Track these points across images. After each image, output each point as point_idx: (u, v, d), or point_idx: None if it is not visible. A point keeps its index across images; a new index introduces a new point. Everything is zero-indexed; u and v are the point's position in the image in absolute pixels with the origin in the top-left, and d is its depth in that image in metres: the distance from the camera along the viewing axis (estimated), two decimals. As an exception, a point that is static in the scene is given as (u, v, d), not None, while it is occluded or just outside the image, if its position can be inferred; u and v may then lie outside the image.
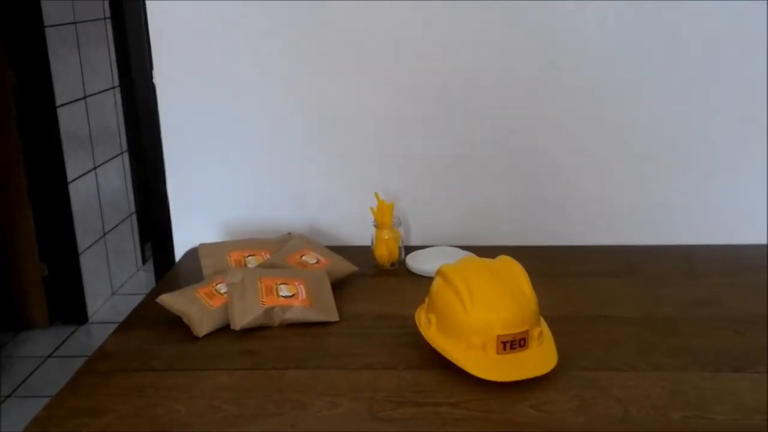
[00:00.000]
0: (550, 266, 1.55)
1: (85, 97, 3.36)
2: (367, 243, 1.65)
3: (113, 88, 3.65)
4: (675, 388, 1.11)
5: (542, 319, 1.22)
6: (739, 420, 1.03)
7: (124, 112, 3.73)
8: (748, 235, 1.67)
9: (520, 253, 1.28)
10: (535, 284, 1.21)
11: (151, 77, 1.75)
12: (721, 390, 1.10)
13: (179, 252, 1.81)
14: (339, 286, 1.49)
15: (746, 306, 1.37)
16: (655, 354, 1.21)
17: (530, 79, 1.66)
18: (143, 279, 3.81)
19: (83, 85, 3.35)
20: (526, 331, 1.16)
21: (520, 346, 1.15)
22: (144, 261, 3.95)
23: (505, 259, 1.26)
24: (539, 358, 1.16)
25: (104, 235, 3.55)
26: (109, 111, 3.63)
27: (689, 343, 1.25)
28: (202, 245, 1.58)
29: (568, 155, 1.70)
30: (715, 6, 1.58)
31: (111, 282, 3.61)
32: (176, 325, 1.34)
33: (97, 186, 3.48)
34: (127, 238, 3.81)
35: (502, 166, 1.72)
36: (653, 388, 1.11)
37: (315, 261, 1.54)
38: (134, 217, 3.88)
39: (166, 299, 1.38)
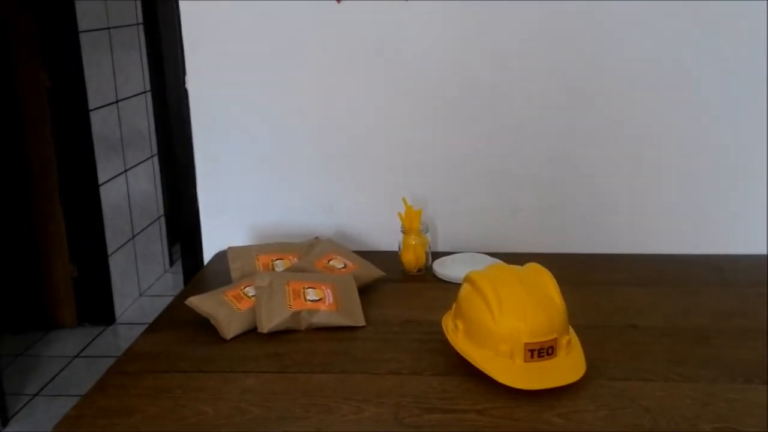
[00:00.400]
0: (578, 274, 1.53)
1: (117, 101, 3.41)
2: (395, 249, 1.65)
3: (145, 92, 3.70)
4: (705, 400, 1.09)
5: (571, 328, 1.21)
6: (770, 433, 1.01)
7: (155, 116, 3.78)
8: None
9: (548, 260, 1.28)
10: (563, 292, 1.20)
11: (184, 82, 1.78)
12: (751, 402, 1.08)
13: (207, 255, 1.82)
14: (366, 291, 1.49)
15: (779, 318, 1.35)
16: (685, 365, 1.19)
17: (561, 85, 1.65)
18: (170, 281, 3.84)
19: (116, 89, 3.40)
20: (555, 339, 1.15)
21: (548, 354, 1.15)
22: (171, 263, 3.99)
23: (533, 267, 1.25)
24: (567, 366, 1.15)
25: (133, 237, 3.59)
26: (141, 115, 3.68)
27: (720, 354, 1.23)
28: (230, 248, 1.60)
29: (598, 162, 1.69)
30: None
31: (139, 283, 3.65)
32: (204, 327, 1.35)
33: (127, 188, 3.53)
34: (156, 241, 3.85)
35: (531, 172, 1.71)
36: (683, 399, 1.10)
37: (342, 266, 1.54)
38: (163, 220, 3.92)
39: (195, 301, 1.39)
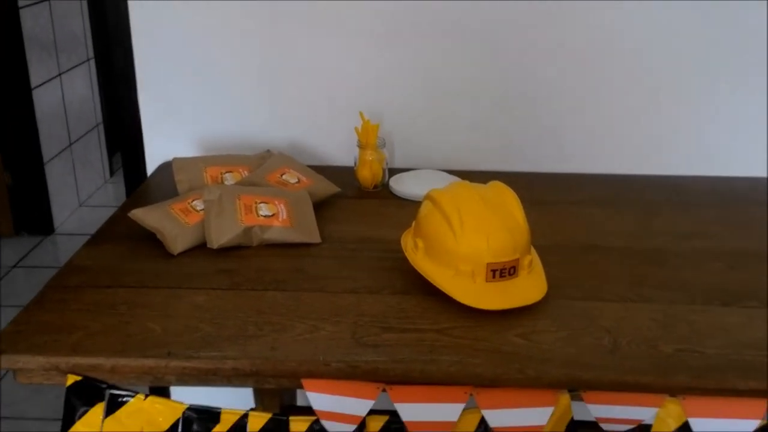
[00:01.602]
0: (540, 194, 1.51)
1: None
2: (351, 164, 1.59)
3: (79, -9, 3.46)
4: (666, 321, 1.09)
5: (533, 248, 1.18)
6: (730, 354, 1.01)
7: (91, 16, 3.55)
8: (743, 169, 1.64)
9: (509, 179, 1.24)
10: (526, 212, 1.17)
11: (122, -21, 1.63)
12: (712, 324, 1.09)
13: (151, 166, 1.73)
14: (320, 207, 1.44)
15: (739, 240, 1.35)
16: (646, 286, 1.19)
17: (528, 3, 1.58)
18: (111, 191, 3.73)
19: (47, -15, 3.17)
20: (517, 260, 1.12)
21: (510, 274, 1.12)
22: (112, 173, 3.85)
23: (497, 185, 1.21)
24: (528, 287, 1.13)
25: (70, 144, 3.44)
26: (75, 14, 3.45)
27: (680, 275, 1.22)
28: (175, 159, 1.51)
29: (563, 82, 1.64)
30: None
31: (78, 193, 3.52)
32: (149, 241, 1.29)
33: (62, 93, 3.34)
34: (95, 149, 3.70)
35: (495, 90, 1.65)
36: (644, 320, 1.09)
37: (296, 180, 1.48)
38: (101, 128, 3.75)
39: (139, 214, 1.32)
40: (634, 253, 1.30)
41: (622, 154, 1.68)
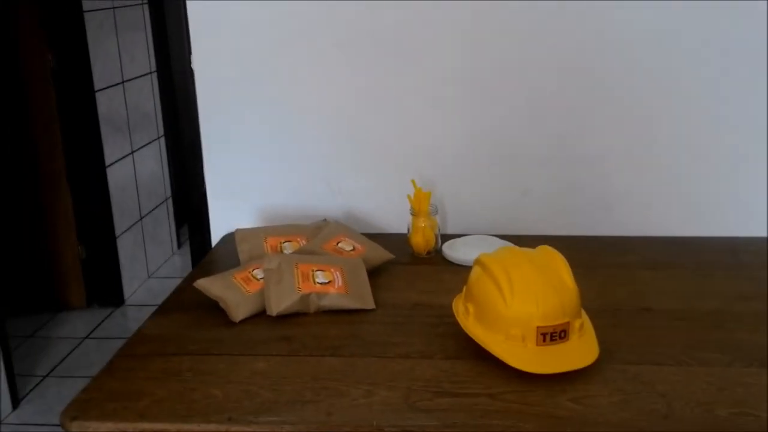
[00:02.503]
0: (590, 257, 1.52)
1: (123, 82, 3.39)
2: (404, 231, 1.63)
3: (150, 73, 3.67)
4: (721, 384, 1.08)
5: (583, 311, 1.19)
6: (788, 418, 0.99)
7: (161, 97, 3.75)
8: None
9: (559, 243, 1.26)
10: (576, 275, 1.18)
11: (189, 62, 1.75)
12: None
13: (215, 237, 1.81)
14: (375, 274, 1.48)
15: (796, 301, 1.33)
16: (700, 349, 1.18)
17: (571, 65, 1.63)
18: (178, 263, 3.85)
19: (121, 69, 3.38)
20: (567, 323, 1.13)
21: (561, 338, 1.13)
22: (179, 245, 3.99)
23: (545, 249, 1.23)
24: (580, 350, 1.14)
25: (141, 218, 3.59)
26: (147, 96, 3.65)
27: (735, 337, 1.21)
28: (238, 230, 1.58)
29: (610, 144, 1.66)
30: None
31: (147, 265, 3.66)
32: (213, 310, 1.35)
33: (134, 170, 3.52)
34: (163, 222, 3.85)
35: (541, 154, 1.69)
36: (698, 383, 1.08)
37: (351, 248, 1.53)
38: (170, 202, 3.92)
39: (203, 283, 1.38)
40: (687, 315, 1.30)
41: (674, 217, 1.67)
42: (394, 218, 1.71)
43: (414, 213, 1.61)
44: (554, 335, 1.13)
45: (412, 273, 1.54)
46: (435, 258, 1.60)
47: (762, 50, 1.56)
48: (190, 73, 1.76)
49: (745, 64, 1.58)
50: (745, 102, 1.60)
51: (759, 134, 1.61)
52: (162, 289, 3.43)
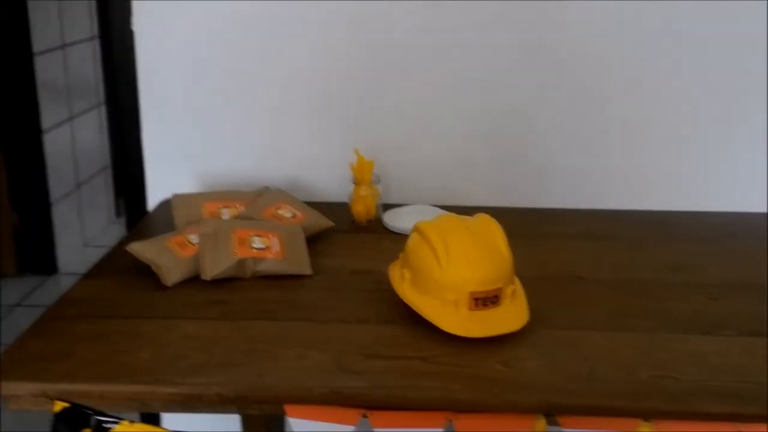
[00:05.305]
0: (527, 228, 1.53)
1: (63, 46, 3.28)
2: (345, 200, 1.63)
3: (93, 38, 3.56)
4: (644, 349, 1.11)
5: (516, 278, 1.21)
6: (705, 380, 1.03)
7: (103, 63, 3.65)
8: (725, 203, 1.66)
9: (498, 213, 1.26)
10: (512, 245, 1.19)
11: (130, 24, 1.70)
12: (689, 351, 1.10)
13: (153, 204, 1.78)
14: (314, 241, 1.47)
15: (721, 272, 1.37)
16: (627, 315, 1.21)
17: (518, 37, 1.64)
18: (116, 232, 3.76)
19: (62, 33, 3.27)
20: (499, 289, 1.15)
21: (493, 303, 1.14)
22: (118, 215, 3.91)
23: (482, 217, 1.24)
24: (511, 315, 1.15)
25: (78, 187, 3.50)
26: (88, 62, 3.55)
27: (662, 306, 1.25)
28: (175, 195, 1.55)
29: (550, 119, 1.68)
30: None
31: (83, 234, 3.57)
32: (146, 274, 1.32)
33: (72, 137, 3.42)
34: (102, 191, 3.76)
35: (484, 127, 1.70)
36: (623, 348, 1.11)
37: (291, 215, 1.51)
38: (109, 171, 3.82)
39: (135, 247, 1.36)
40: (618, 284, 1.33)
41: (609, 191, 1.71)
42: (337, 187, 1.70)
43: (356, 182, 1.60)
44: (486, 300, 1.14)
45: (352, 241, 1.54)
46: (375, 226, 1.60)
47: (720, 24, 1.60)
48: (130, 35, 1.71)
49: (686, 40, 1.62)
50: (680, 80, 1.64)
51: (685, 111, 1.65)
52: (98, 257, 3.35)
